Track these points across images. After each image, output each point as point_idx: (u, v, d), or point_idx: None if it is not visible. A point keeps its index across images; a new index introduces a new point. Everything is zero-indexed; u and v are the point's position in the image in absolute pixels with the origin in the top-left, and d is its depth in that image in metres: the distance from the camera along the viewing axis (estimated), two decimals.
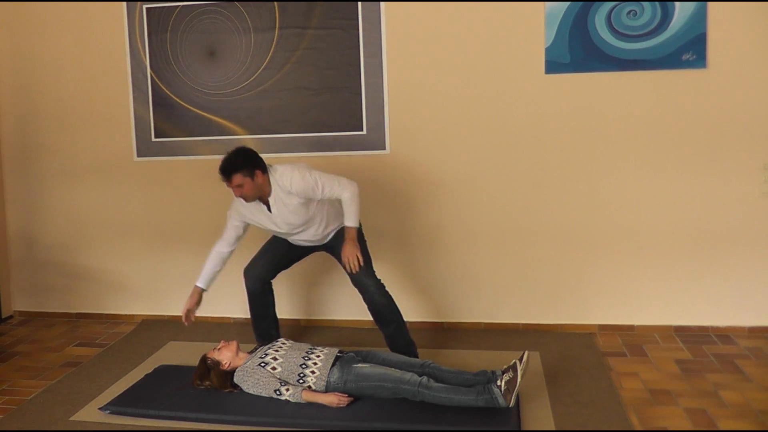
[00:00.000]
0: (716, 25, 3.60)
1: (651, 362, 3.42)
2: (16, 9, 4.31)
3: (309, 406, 2.89)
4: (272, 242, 3.57)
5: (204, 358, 3.17)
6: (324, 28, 3.95)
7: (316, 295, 4.20)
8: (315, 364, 3.00)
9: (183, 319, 3.40)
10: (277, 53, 4.03)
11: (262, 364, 3.03)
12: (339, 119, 4.01)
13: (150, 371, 3.40)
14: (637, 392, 3.06)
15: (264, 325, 3.61)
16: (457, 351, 3.63)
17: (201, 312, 4.32)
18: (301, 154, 4.07)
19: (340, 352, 3.12)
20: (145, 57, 4.18)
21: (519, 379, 2.73)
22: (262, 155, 4.08)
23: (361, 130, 4.00)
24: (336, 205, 3.40)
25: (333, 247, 3.45)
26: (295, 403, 2.91)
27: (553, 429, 2.72)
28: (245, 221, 3.42)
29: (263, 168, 3.24)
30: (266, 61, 4.04)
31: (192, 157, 4.21)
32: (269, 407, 2.90)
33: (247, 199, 3.24)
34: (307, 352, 3.08)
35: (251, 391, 3.00)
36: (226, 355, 3.15)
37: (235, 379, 3.07)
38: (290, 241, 3.49)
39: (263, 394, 2.97)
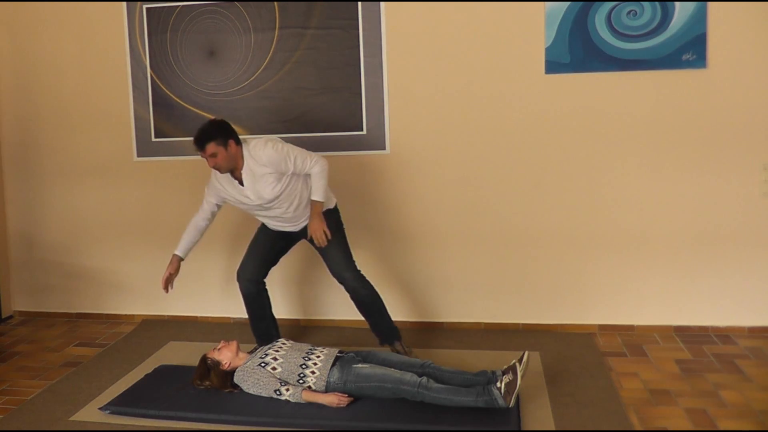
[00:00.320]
0: (716, 25, 3.60)
1: (651, 362, 3.42)
2: (16, 9, 4.31)
3: (309, 406, 2.89)
4: (256, 239, 3.59)
5: (204, 358, 3.17)
6: (324, 28, 3.95)
7: (316, 295, 4.20)
8: (315, 364, 3.00)
9: (162, 285, 3.47)
10: (277, 53, 4.03)
11: (262, 364, 3.03)
12: (339, 119, 4.00)
13: (150, 371, 3.40)
14: (637, 392, 3.06)
15: (263, 326, 3.61)
16: (457, 351, 3.63)
17: (202, 312, 4.34)
18: None
19: (340, 352, 3.12)
20: (145, 57, 4.18)
21: (519, 381, 2.73)
22: None
23: (361, 130, 4.00)
24: (309, 188, 3.40)
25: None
26: (295, 403, 2.91)
27: (553, 429, 2.72)
28: (221, 196, 3.46)
29: (236, 139, 3.29)
30: (266, 61, 4.04)
31: (192, 157, 4.20)
32: (269, 407, 2.90)
33: (220, 170, 3.28)
34: (307, 353, 3.08)
35: (251, 391, 3.00)
36: (226, 355, 3.15)
37: (235, 379, 3.07)
38: (267, 225, 3.52)
39: (263, 394, 2.97)
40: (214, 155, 3.21)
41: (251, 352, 3.22)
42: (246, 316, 3.69)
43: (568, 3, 3.70)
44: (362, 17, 3.91)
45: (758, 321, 3.77)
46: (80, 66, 4.28)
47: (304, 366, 3.00)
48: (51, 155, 4.41)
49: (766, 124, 3.64)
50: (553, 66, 3.76)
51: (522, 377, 2.76)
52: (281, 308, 4.05)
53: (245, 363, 3.09)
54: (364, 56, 3.93)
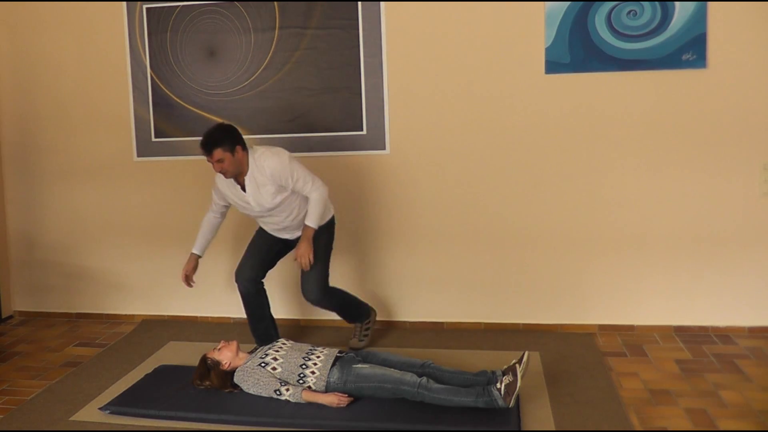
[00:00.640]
0: (716, 25, 3.60)
1: (651, 362, 3.42)
2: (16, 9, 4.31)
3: (309, 406, 2.89)
4: (254, 241, 3.62)
5: (204, 358, 3.17)
6: (324, 28, 3.95)
7: None
8: (315, 364, 3.01)
9: (183, 280, 3.54)
10: (277, 53, 4.03)
11: (263, 364, 3.03)
12: (339, 119, 4.01)
13: (150, 371, 3.40)
14: (637, 392, 3.06)
15: (262, 327, 3.61)
16: (457, 351, 3.63)
17: (202, 312, 4.34)
18: (301, 154, 4.06)
19: (340, 352, 3.13)
20: (145, 57, 4.18)
21: (519, 382, 2.73)
22: None
23: (361, 130, 4.00)
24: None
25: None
26: (295, 403, 2.91)
27: (553, 429, 2.72)
28: (224, 199, 3.52)
29: (243, 145, 3.31)
30: (266, 61, 4.04)
31: (192, 157, 4.21)
32: (269, 407, 2.90)
33: (226, 175, 3.30)
34: (307, 353, 3.08)
35: (251, 391, 3.00)
36: (226, 355, 3.15)
37: (235, 379, 3.07)
38: (265, 228, 3.58)
39: (263, 394, 2.97)
40: (220, 161, 3.23)
41: (251, 352, 3.22)
42: (245, 315, 3.70)
43: (568, 3, 3.70)
44: (362, 17, 3.91)
45: (758, 321, 3.77)
46: (80, 66, 4.28)
47: (304, 366, 3.00)
48: (51, 155, 4.41)
49: (766, 124, 3.64)
50: (553, 66, 3.76)
51: (522, 378, 2.75)
52: (280, 308, 4.05)
53: (245, 363, 3.09)
54: (364, 56, 3.93)
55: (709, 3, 3.59)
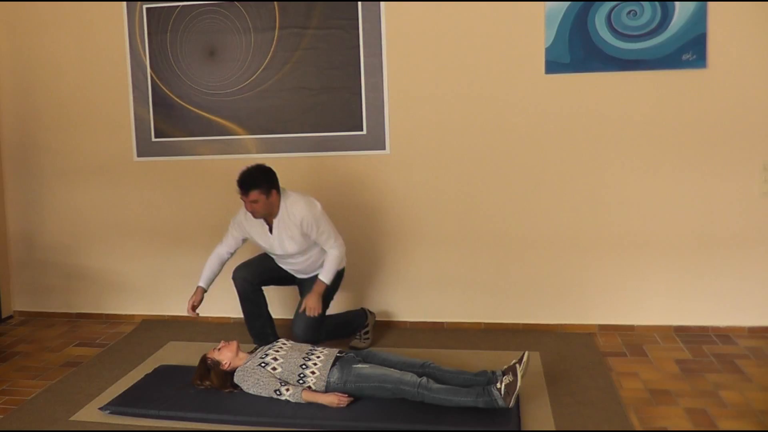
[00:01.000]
0: (716, 25, 3.60)
1: (651, 362, 3.42)
2: (16, 9, 4.31)
3: (309, 406, 2.89)
4: (267, 256, 3.65)
5: (204, 358, 3.17)
6: (324, 28, 3.95)
7: None
8: (315, 364, 3.01)
9: (189, 310, 3.52)
10: (277, 53, 4.03)
11: (263, 365, 3.03)
12: (339, 119, 4.01)
13: (150, 371, 3.40)
14: (637, 392, 3.06)
15: (258, 325, 3.63)
16: (457, 351, 3.63)
17: (202, 312, 4.33)
18: (301, 154, 4.07)
19: (340, 352, 3.12)
20: (145, 57, 4.18)
21: (519, 382, 2.73)
22: (262, 155, 4.12)
23: (361, 130, 4.00)
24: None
25: (307, 288, 3.54)
26: (295, 403, 2.91)
27: (553, 429, 2.72)
28: (245, 235, 3.55)
29: (278, 189, 3.38)
30: (266, 61, 4.04)
31: (192, 157, 4.21)
32: (269, 407, 2.90)
33: (256, 216, 3.37)
34: (307, 353, 3.08)
35: (251, 391, 3.00)
36: (226, 355, 3.15)
37: (235, 379, 3.07)
38: (278, 263, 3.64)
39: (263, 394, 2.97)
40: (255, 201, 3.29)
41: (251, 353, 3.22)
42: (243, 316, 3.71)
43: (568, 3, 3.70)
44: (362, 17, 3.91)
45: (758, 321, 3.77)
46: (80, 66, 4.28)
47: (304, 366, 3.00)
48: (51, 155, 4.41)
49: (766, 124, 3.64)
50: (553, 66, 3.76)
51: (522, 378, 2.75)
52: (279, 308, 4.05)
53: (245, 363, 3.09)
54: (364, 56, 3.93)
55: (709, 3, 3.59)
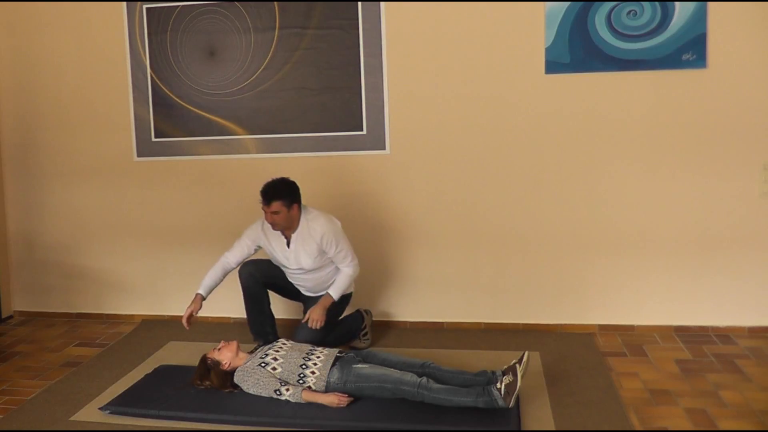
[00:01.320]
0: (716, 25, 3.60)
1: (651, 362, 3.42)
2: (16, 9, 4.31)
3: (309, 406, 2.89)
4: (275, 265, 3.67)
5: (204, 358, 3.17)
6: (324, 28, 3.95)
7: None
8: (315, 364, 3.01)
9: (184, 321, 3.46)
10: (277, 53, 4.03)
11: (263, 365, 3.03)
12: (339, 119, 4.01)
13: (150, 371, 3.40)
14: (637, 392, 3.06)
15: (258, 321, 3.65)
16: (457, 351, 3.63)
17: (202, 312, 4.33)
18: (301, 154, 4.07)
19: (340, 352, 3.12)
20: (145, 57, 4.18)
21: (519, 383, 2.73)
22: (262, 155, 4.12)
23: (361, 130, 4.00)
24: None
25: (312, 305, 3.56)
26: (295, 403, 2.91)
27: (553, 429, 2.72)
28: (259, 245, 3.55)
29: (300, 203, 3.41)
30: (266, 61, 4.04)
31: (192, 157, 4.21)
32: (269, 407, 2.90)
33: (275, 227, 3.40)
34: (307, 353, 3.08)
35: (251, 391, 3.00)
36: (226, 355, 3.15)
37: (235, 379, 3.07)
38: (289, 278, 3.66)
39: (263, 394, 2.97)
40: (276, 213, 3.32)
41: (251, 352, 3.23)
42: (245, 316, 3.71)
43: (568, 3, 3.70)
44: (362, 17, 3.91)
45: (758, 321, 3.77)
46: (80, 66, 4.28)
47: (304, 366, 3.00)
48: (51, 155, 4.41)
49: (766, 124, 3.64)
50: (553, 66, 3.76)
51: (522, 378, 2.75)
52: (280, 308, 4.05)
53: (245, 363, 3.09)
54: (364, 56, 3.93)
55: (709, 3, 3.59)
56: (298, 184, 3.44)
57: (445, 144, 3.93)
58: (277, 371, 3.00)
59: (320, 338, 3.44)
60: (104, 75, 4.25)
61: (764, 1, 3.54)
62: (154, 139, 4.24)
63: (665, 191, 3.77)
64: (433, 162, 3.96)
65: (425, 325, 4.09)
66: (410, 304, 4.10)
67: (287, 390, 2.93)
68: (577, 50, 3.73)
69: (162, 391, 3.11)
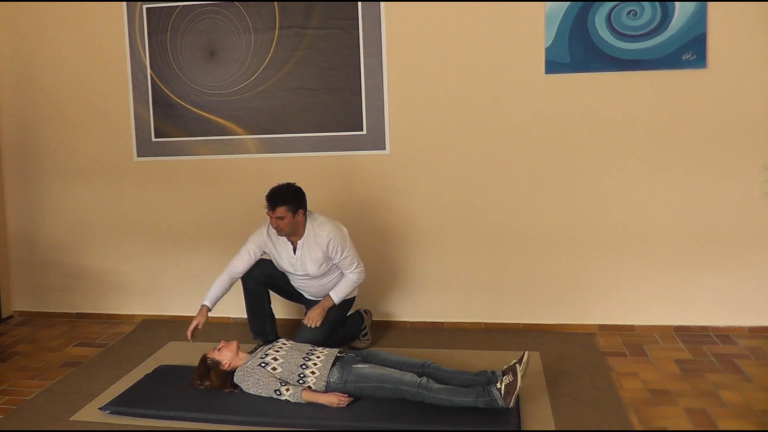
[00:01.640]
0: (716, 25, 3.60)
1: (651, 362, 3.42)
2: (16, 9, 4.31)
3: (309, 406, 2.89)
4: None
5: (204, 358, 3.17)
6: (324, 28, 3.95)
7: None
8: (315, 364, 3.01)
9: (188, 334, 3.43)
10: (277, 53, 4.03)
11: (263, 365, 3.03)
12: (339, 119, 4.01)
13: (150, 371, 3.40)
14: (637, 392, 3.06)
15: (260, 320, 3.66)
16: (457, 351, 3.63)
17: None
18: (301, 154, 4.07)
19: (340, 352, 3.13)
20: (145, 57, 4.18)
21: (519, 383, 2.73)
22: (262, 155, 4.12)
23: (361, 130, 4.00)
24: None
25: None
26: (295, 403, 2.91)
27: (553, 429, 2.72)
28: (264, 250, 3.54)
29: (305, 209, 3.41)
30: (266, 61, 4.04)
31: (192, 157, 4.21)
32: (269, 407, 2.90)
33: (280, 233, 3.39)
34: (307, 353, 3.08)
35: (251, 391, 3.00)
36: (226, 355, 3.15)
37: (235, 379, 3.07)
38: (292, 282, 3.66)
39: (263, 394, 2.97)
40: (281, 218, 3.32)
41: (251, 352, 3.22)
42: (245, 315, 3.71)
43: (568, 3, 3.70)
44: (362, 17, 3.91)
45: (758, 321, 3.77)
46: (80, 66, 4.28)
47: (304, 366, 3.00)
48: (51, 155, 4.41)
49: (766, 124, 3.64)
50: (553, 66, 3.76)
51: (522, 378, 2.76)
52: (280, 308, 4.05)
53: (245, 363, 3.09)
54: (364, 56, 3.93)
55: (709, 3, 3.59)
56: (301, 186, 3.44)
57: (445, 144, 3.93)
58: (277, 371, 3.00)
59: (322, 340, 3.44)
60: (104, 75, 4.25)
61: (764, 0, 3.54)
62: (154, 139, 4.24)
63: (665, 191, 3.77)
64: (433, 162, 3.96)
65: (425, 325, 4.09)
66: (410, 304, 4.10)
67: (287, 390, 2.93)
68: (577, 50, 3.73)
69: (162, 391, 3.12)
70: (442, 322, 4.09)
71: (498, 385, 2.76)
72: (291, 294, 3.73)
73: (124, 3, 4.15)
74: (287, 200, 3.31)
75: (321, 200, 3.87)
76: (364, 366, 2.98)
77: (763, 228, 3.71)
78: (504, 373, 2.80)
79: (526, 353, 2.85)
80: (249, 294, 3.62)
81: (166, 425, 2.86)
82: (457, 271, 4.02)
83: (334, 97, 3.99)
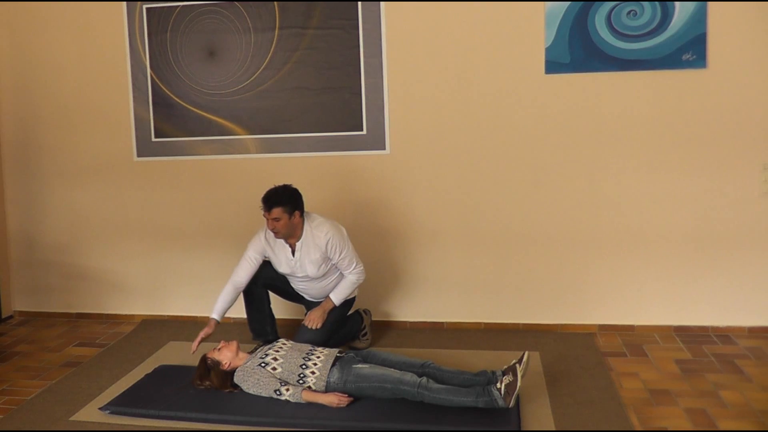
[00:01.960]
0: (716, 25, 3.60)
1: (651, 362, 3.42)
2: (16, 9, 4.31)
3: (309, 406, 2.89)
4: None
5: (204, 358, 3.18)
6: (324, 28, 3.95)
7: None
8: (315, 364, 3.01)
9: (194, 345, 3.41)
10: (277, 53, 4.03)
11: (263, 365, 3.03)
12: (339, 119, 4.01)
13: (150, 371, 3.40)
14: (637, 392, 3.06)
15: (260, 320, 3.66)
16: (457, 351, 3.63)
17: (202, 312, 4.35)
18: (301, 154, 4.07)
19: (339, 352, 3.13)
20: (145, 57, 4.18)
21: (519, 382, 2.73)
22: (262, 155, 4.12)
23: (361, 130, 4.00)
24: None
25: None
26: (295, 403, 2.91)
27: (553, 429, 2.72)
28: (264, 255, 3.54)
29: (302, 211, 3.40)
30: (266, 61, 4.04)
31: (192, 157, 4.21)
32: (269, 407, 2.90)
33: (277, 235, 3.38)
34: (307, 353, 3.08)
35: (251, 391, 3.00)
36: (226, 355, 3.15)
37: (235, 379, 3.07)
38: (293, 285, 3.66)
39: (263, 394, 2.97)
40: (277, 219, 3.31)
41: (251, 352, 3.23)
42: (245, 315, 3.71)
43: (568, 3, 3.70)
44: (362, 17, 3.91)
45: (758, 321, 3.77)
46: (80, 66, 4.28)
47: (304, 366, 3.00)
48: (51, 155, 4.41)
49: (766, 124, 3.64)
50: (553, 66, 3.76)
51: (522, 378, 2.76)
52: (281, 308, 4.05)
53: (245, 363, 3.09)
54: (364, 56, 3.93)
55: (709, 3, 3.59)
56: (298, 186, 3.43)
57: (445, 144, 3.93)
58: (277, 371, 3.00)
59: (322, 341, 3.44)
60: (104, 75, 4.25)
61: (764, 0, 3.54)
62: (154, 139, 4.24)
63: (665, 191, 3.77)
64: (432, 162, 3.96)
65: (425, 325, 4.09)
66: (410, 304, 4.10)
67: (287, 390, 2.93)
68: (577, 50, 3.73)
69: (162, 391, 3.12)
70: (442, 322, 4.09)
71: (498, 385, 2.76)
72: (290, 294, 3.73)
73: (124, 3, 4.15)
74: (283, 201, 3.31)
75: (321, 200, 3.88)
76: (364, 366, 2.98)
77: (763, 228, 3.71)
78: (504, 373, 2.80)
79: (526, 353, 2.85)
80: (249, 295, 3.62)
81: (166, 425, 2.86)
82: (457, 271, 4.02)
83: (334, 97, 3.99)
